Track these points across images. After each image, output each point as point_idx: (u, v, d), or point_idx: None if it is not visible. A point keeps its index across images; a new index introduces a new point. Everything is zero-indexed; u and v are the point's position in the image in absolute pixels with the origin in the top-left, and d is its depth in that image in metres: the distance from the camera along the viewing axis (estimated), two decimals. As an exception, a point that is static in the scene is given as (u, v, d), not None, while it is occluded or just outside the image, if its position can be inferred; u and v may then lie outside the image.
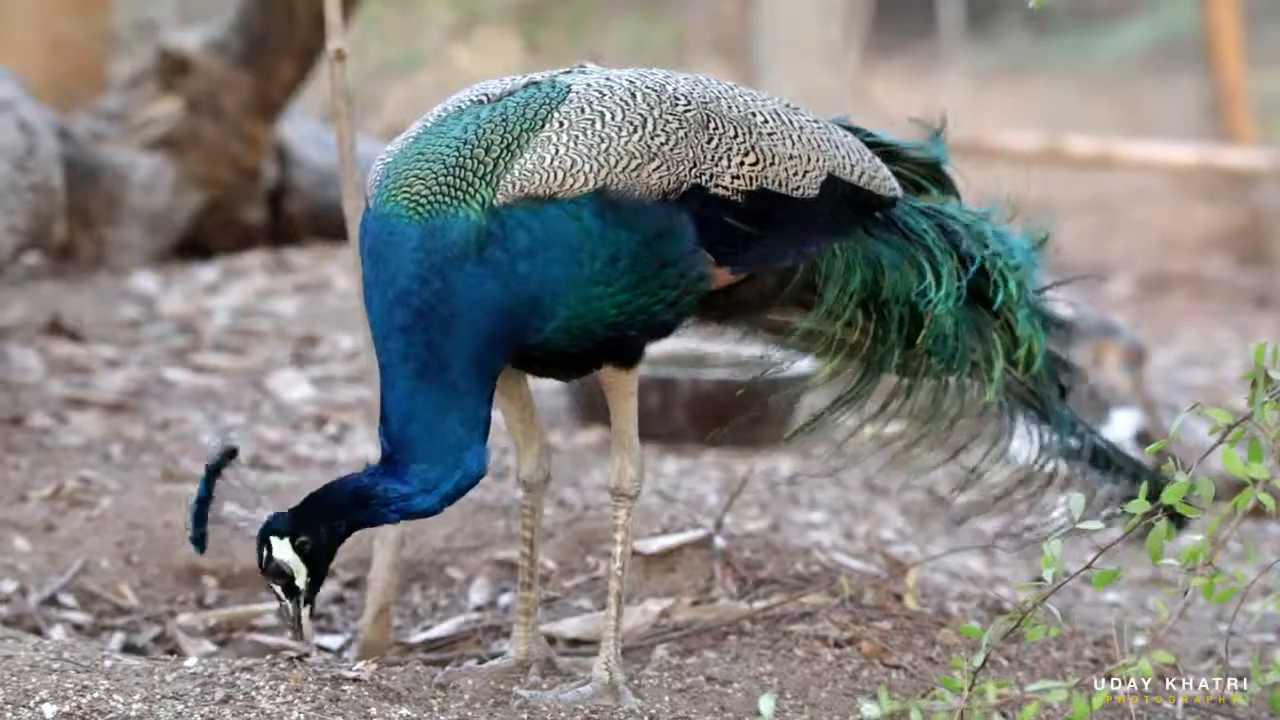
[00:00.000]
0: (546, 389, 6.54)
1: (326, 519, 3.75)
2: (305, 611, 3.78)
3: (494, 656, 4.32)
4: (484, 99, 3.88)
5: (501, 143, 3.77)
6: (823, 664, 4.18)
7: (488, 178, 3.74)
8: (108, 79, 10.65)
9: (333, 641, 4.71)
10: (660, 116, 3.83)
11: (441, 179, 3.75)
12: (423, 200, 3.74)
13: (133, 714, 3.66)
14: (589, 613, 4.69)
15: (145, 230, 8.85)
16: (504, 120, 3.80)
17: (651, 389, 6.36)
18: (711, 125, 3.88)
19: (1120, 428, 6.64)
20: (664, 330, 3.92)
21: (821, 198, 4.02)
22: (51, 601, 4.80)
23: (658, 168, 3.80)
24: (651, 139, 3.81)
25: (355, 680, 3.85)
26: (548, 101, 3.83)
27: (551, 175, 3.74)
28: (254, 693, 3.77)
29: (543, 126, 3.79)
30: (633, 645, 4.38)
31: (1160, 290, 12.81)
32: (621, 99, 3.84)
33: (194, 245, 9.15)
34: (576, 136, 3.77)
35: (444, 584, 4.99)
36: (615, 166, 3.77)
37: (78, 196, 8.35)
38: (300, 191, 9.50)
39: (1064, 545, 3.39)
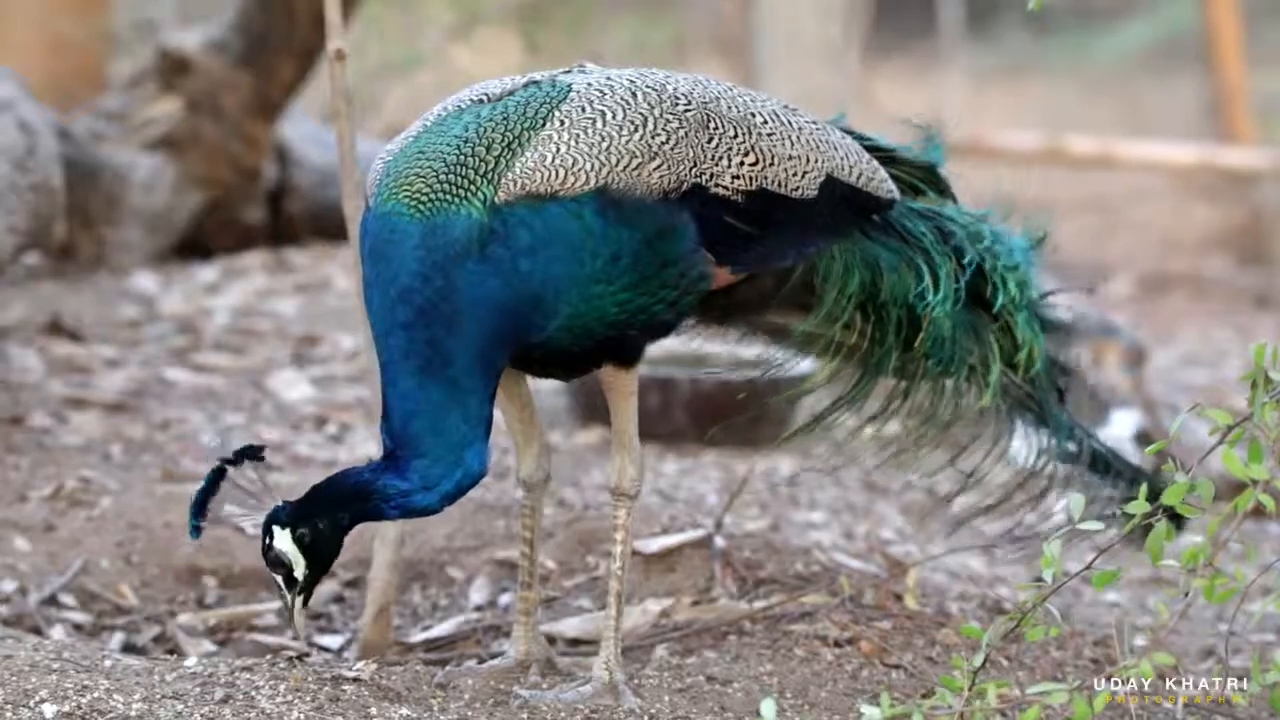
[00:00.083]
0: (546, 389, 6.54)
1: (328, 511, 3.76)
2: (299, 603, 3.78)
3: (494, 656, 4.33)
4: (484, 98, 3.88)
5: (503, 141, 3.77)
6: (823, 664, 4.18)
7: (489, 175, 3.75)
8: (108, 79, 10.65)
9: (333, 641, 4.71)
10: (661, 116, 3.84)
11: (443, 177, 3.75)
12: (424, 198, 3.74)
13: (133, 714, 3.66)
14: (589, 612, 4.69)
15: (145, 230, 8.85)
16: (505, 119, 3.80)
17: (651, 389, 6.37)
18: (712, 125, 3.88)
19: (1120, 428, 6.64)
20: (664, 330, 3.93)
21: (820, 198, 4.02)
22: (51, 601, 4.80)
23: (658, 167, 3.80)
24: (652, 138, 3.81)
25: (355, 680, 3.85)
26: (548, 100, 3.83)
27: (553, 173, 3.75)
28: (254, 692, 3.77)
29: (544, 125, 3.79)
30: (633, 645, 4.38)
31: (1160, 290, 12.81)
32: (622, 98, 3.84)
33: (194, 245, 9.15)
34: (578, 135, 3.78)
35: (444, 583, 4.99)
36: (617, 165, 3.77)
37: (78, 196, 8.35)
38: (300, 191, 9.50)
39: (1064, 545, 3.39)
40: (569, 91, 3.85)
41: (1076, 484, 4.50)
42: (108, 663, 3.93)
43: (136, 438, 6.07)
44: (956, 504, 4.61)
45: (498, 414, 3.90)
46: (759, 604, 4.57)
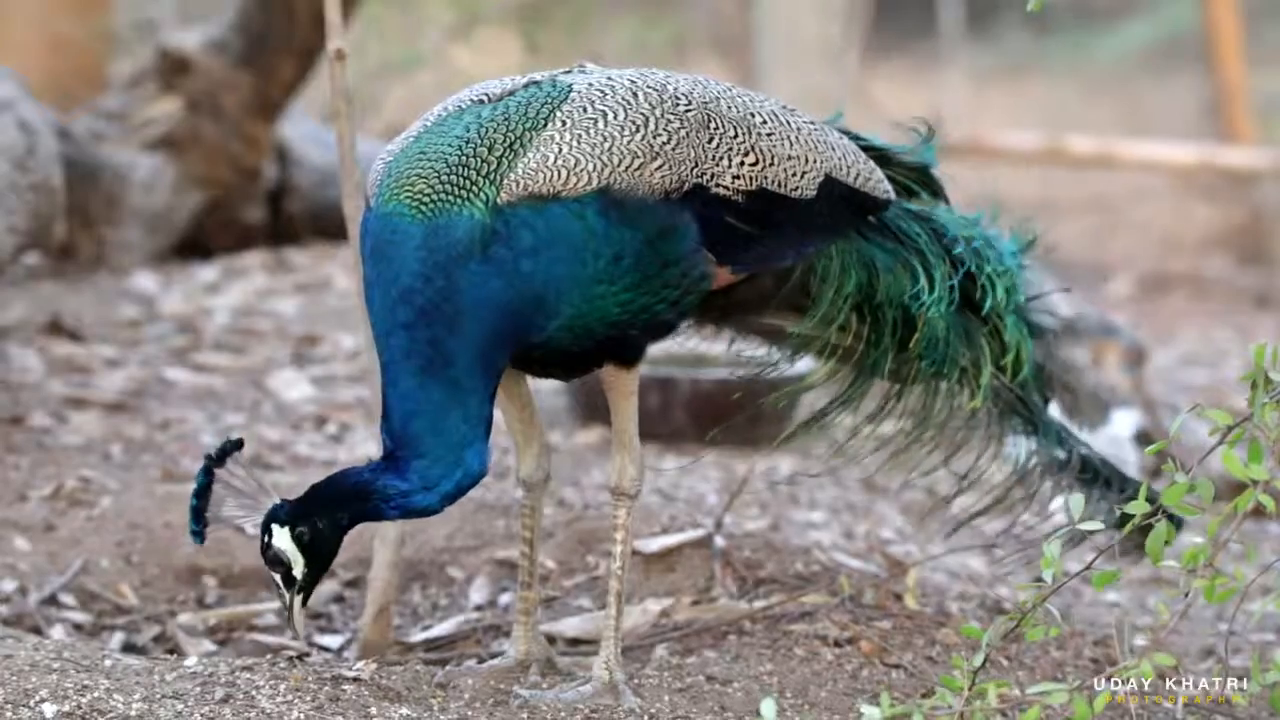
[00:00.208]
0: (546, 389, 6.54)
1: (327, 511, 3.76)
2: (299, 601, 3.78)
3: (494, 656, 4.33)
4: (484, 98, 3.88)
5: (504, 141, 3.77)
6: (823, 663, 4.18)
7: (491, 176, 3.75)
8: (108, 79, 10.65)
9: (333, 641, 4.72)
10: (662, 116, 3.84)
11: (444, 177, 3.75)
12: (426, 199, 3.74)
13: (133, 713, 3.66)
14: (589, 612, 4.69)
15: (145, 230, 8.85)
16: (506, 119, 3.80)
17: (651, 389, 6.37)
18: (712, 125, 3.89)
19: (1120, 428, 6.64)
20: (665, 330, 3.93)
21: (819, 198, 4.03)
22: (51, 601, 4.80)
23: (660, 166, 3.81)
24: (654, 138, 3.81)
25: (355, 679, 3.85)
26: (549, 101, 3.83)
27: (555, 174, 3.75)
28: (254, 692, 3.77)
29: (545, 125, 3.79)
30: (633, 645, 4.38)
31: (1160, 290, 12.81)
32: (623, 98, 3.84)
33: (194, 245, 9.15)
34: (579, 135, 3.78)
35: (444, 583, 4.99)
36: (618, 165, 3.77)
37: (78, 196, 8.35)
38: (300, 191, 9.50)
39: (1064, 546, 3.39)
40: (570, 92, 3.85)
41: (1066, 490, 4.50)
42: (108, 662, 3.93)
43: (136, 438, 6.07)
44: (954, 505, 4.61)
45: (498, 414, 3.90)
46: (759, 604, 4.57)
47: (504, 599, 4.87)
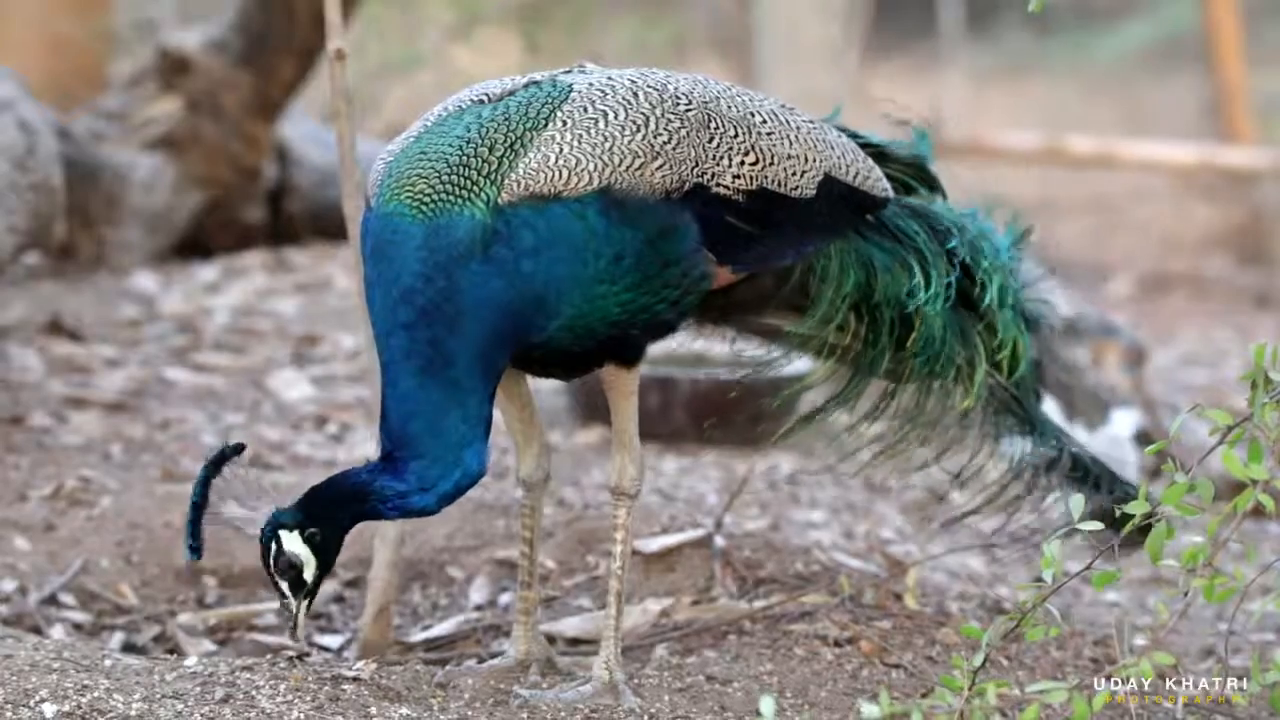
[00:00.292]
0: (546, 389, 6.53)
1: (329, 512, 3.76)
2: (304, 607, 3.78)
3: (494, 656, 4.33)
4: (485, 98, 3.88)
5: (505, 142, 3.77)
6: (823, 663, 4.18)
7: (492, 176, 3.74)
8: (108, 79, 10.65)
9: (333, 641, 4.72)
10: (662, 115, 3.84)
11: (445, 178, 3.75)
12: (427, 199, 3.74)
13: (133, 713, 3.66)
14: (589, 612, 4.69)
15: (145, 230, 8.85)
16: (507, 119, 3.80)
17: (651, 389, 6.37)
18: (712, 125, 3.89)
19: (1120, 427, 6.64)
20: (665, 329, 3.93)
21: (819, 197, 4.03)
22: (51, 601, 4.80)
23: (661, 166, 3.81)
24: (654, 138, 3.81)
25: (355, 679, 3.85)
26: (550, 101, 3.83)
27: (556, 174, 3.75)
28: (254, 692, 3.77)
29: (546, 125, 3.79)
30: (633, 644, 4.38)
31: (1160, 290, 12.81)
32: (624, 98, 3.84)
33: (194, 245, 9.15)
34: (580, 135, 3.78)
35: (444, 583, 4.99)
36: (619, 165, 3.77)
37: (78, 196, 8.35)
38: (300, 191, 9.50)
39: (1062, 545, 3.39)
40: (570, 92, 3.85)
41: (1057, 489, 4.50)
42: (108, 662, 3.93)
43: (136, 437, 6.07)
44: (950, 502, 4.61)
45: (497, 414, 3.90)
46: (759, 603, 4.57)
47: (504, 599, 4.87)
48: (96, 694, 3.71)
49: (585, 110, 3.81)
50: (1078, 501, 3.47)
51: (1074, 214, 14.31)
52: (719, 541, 4.88)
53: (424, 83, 13.45)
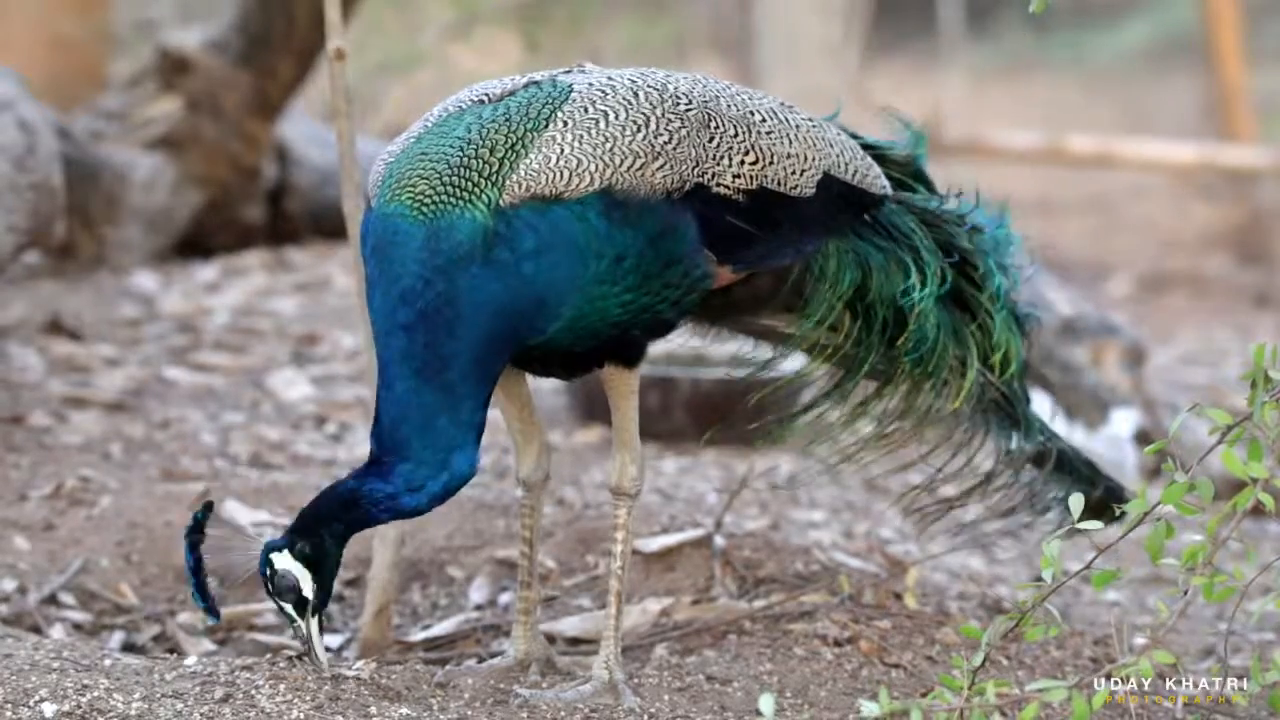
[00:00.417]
0: (546, 388, 6.54)
1: (323, 525, 3.77)
2: (315, 625, 3.78)
3: (494, 655, 4.33)
4: (485, 99, 3.88)
5: (506, 143, 3.77)
6: (822, 663, 4.18)
7: (493, 178, 3.74)
8: (108, 79, 10.65)
9: (333, 640, 4.71)
10: (663, 115, 3.84)
11: (446, 179, 3.74)
12: (427, 200, 3.74)
13: (132, 713, 3.66)
14: (589, 612, 4.69)
15: (145, 229, 8.85)
16: (507, 120, 3.80)
17: (651, 388, 6.37)
18: (712, 124, 3.89)
19: (1120, 427, 6.64)
20: (666, 329, 3.93)
21: (818, 196, 4.03)
22: (51, 600, 4.80)
23: (661, 166, 3.80)
24: (655, 138, 3.81)
25: (355, 679, 3.85)
26: (550, 101, 3.83)
27: (557, 175, 3.74)
28: (254, 691, 3.77)
29: (546, 126, 3.79)
30: (633, 644, 4.38)
31: (1160, 289, 12.81)
32: (624, 98, 3.84)
33: (194, 244, 9.16)
34: (581, 136, 3.77)
35: (444, 583, 4.99)
36: (620, 166, 3.77)
37: (78, 196, 8.35)
38: (300, 191, 9.50)
39: (1063, 544, 3.39)
40: (570, 92, 3.85)
41: (1042, 484, 4.51)
42: (107, 662, 3.93)
43: (136, 437, 6.07)
44: (934, 495, 4.61)
45: (497, 414, 3.90)
46: (759, 603, 4.57)
47: (504, 598, 4.87)
48: (96, 694, 3.71)
49: (586, 110, 3.81)
50: (1078, 500, 3.47)
51: (1074, 213, 14.31)
52: (719, 541, 4.88)
53: (424, 83, 13.47)
